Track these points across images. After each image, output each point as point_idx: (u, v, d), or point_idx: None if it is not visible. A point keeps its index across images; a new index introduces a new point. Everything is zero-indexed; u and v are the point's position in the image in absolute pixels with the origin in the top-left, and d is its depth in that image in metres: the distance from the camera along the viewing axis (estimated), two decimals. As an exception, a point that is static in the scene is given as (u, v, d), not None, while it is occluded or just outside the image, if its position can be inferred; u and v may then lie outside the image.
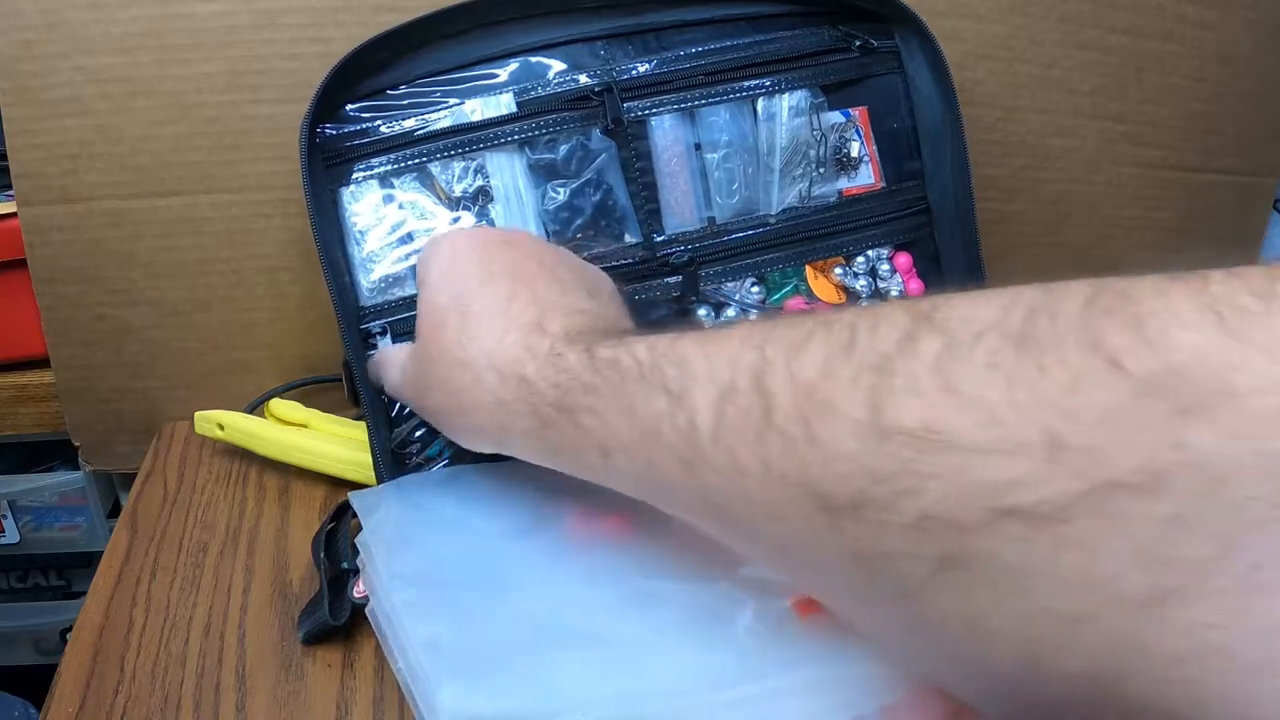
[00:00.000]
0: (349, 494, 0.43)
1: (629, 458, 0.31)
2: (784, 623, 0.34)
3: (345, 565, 0.41)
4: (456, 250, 0.40)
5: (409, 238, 0.47)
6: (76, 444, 0.59)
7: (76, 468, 0.61)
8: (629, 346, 0.31)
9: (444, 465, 0.46)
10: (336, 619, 0.40)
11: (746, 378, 0.26)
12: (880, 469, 0.22)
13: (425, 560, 0.38)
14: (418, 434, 0.47)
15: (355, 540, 0.42)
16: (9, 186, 0.52)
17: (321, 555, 0.42)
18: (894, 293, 0.53)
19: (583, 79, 0.48)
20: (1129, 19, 0.59)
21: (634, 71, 0.49)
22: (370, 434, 0.46)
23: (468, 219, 0.48)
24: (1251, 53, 0.62)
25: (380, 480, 0.46)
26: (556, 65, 0.48)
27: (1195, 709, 0.19)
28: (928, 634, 0.24)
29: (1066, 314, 0.21)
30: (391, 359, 0.43)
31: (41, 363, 0.57)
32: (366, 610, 0.39)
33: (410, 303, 0.47)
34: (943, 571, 0.22)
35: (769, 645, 0.33)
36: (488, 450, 0.38)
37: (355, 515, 0.43)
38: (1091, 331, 0.20)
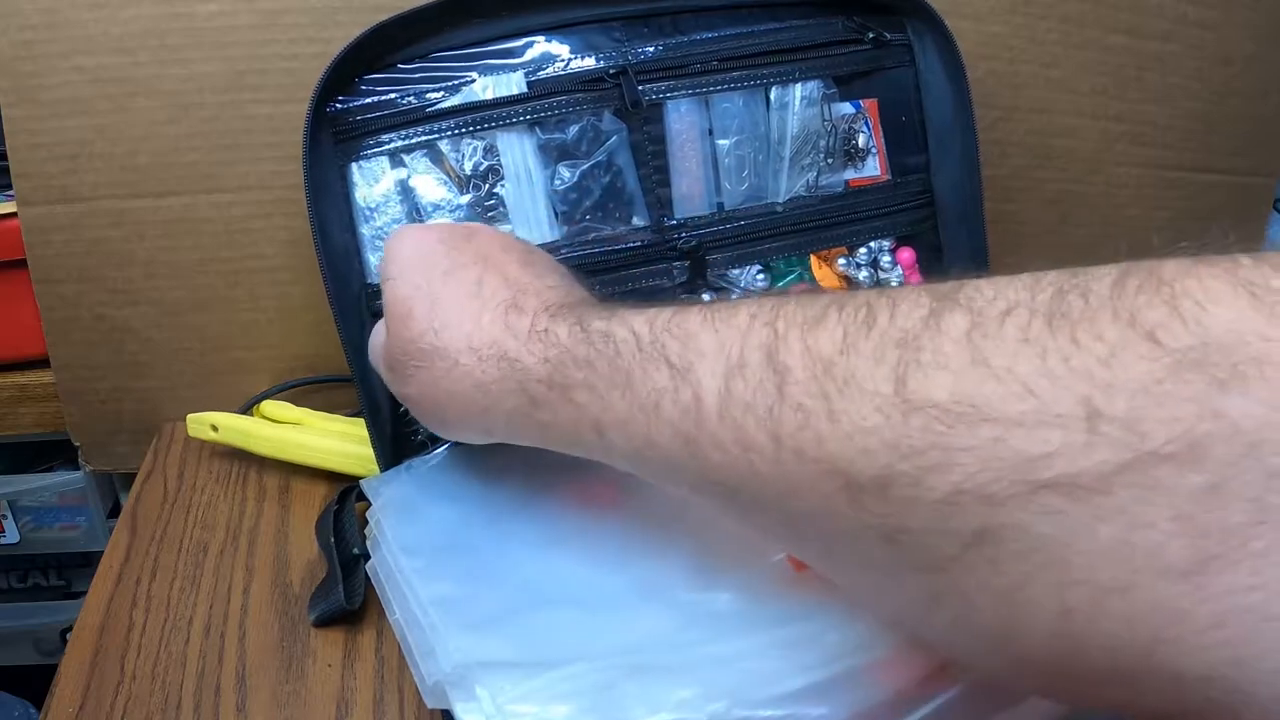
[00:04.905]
0: (360, 481, 0.43)
1: (625, 435, 0.29)
2: (777, 578, 0.34)
3: (356, 551, 0.42)
4: (419, 242, 0.38)
5: (419, 215, 0.47)
6: (76, 444, 0.59)
7: (76, 468, 0.61)
8: (624, 320, 0.30)
9: (448, 445, 0.46)
10: (351, 603, 0.40)
11: (758, 353, 0.25)
12: (908, 444, 0.22)
13: (432, 531, 0.39)
14: None
15: (365, 514, 0.42)
16: (9, 186, 0.52)
17: (330, 539, 0.42)
18: (894, 284, 0.53)
19: (597, 61, 0.48)
20: (1129, 19, 0.59)
21: (649, 55, 0.49)
22: (367, 419, 0.46)
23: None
24: (1251, 53, 0.62)
25: (381, 464, 0.46)
26: (571, 46, 0.48)
27: (1234, 667, 0.19)
28: (954, 607, 0.23)
29: (1097, 292, 0.21)
30: (376, 344, 0.41)
31: (41, 363, 0.57)
32: (367, 566, 0.40)
33: None
34: (975, 546, 0.21)
35: (761, 601, 0.33)
36: (475, 440, 0.38)
37: (360, 499, 0.43)
38: (1125, 308, 0.20)
